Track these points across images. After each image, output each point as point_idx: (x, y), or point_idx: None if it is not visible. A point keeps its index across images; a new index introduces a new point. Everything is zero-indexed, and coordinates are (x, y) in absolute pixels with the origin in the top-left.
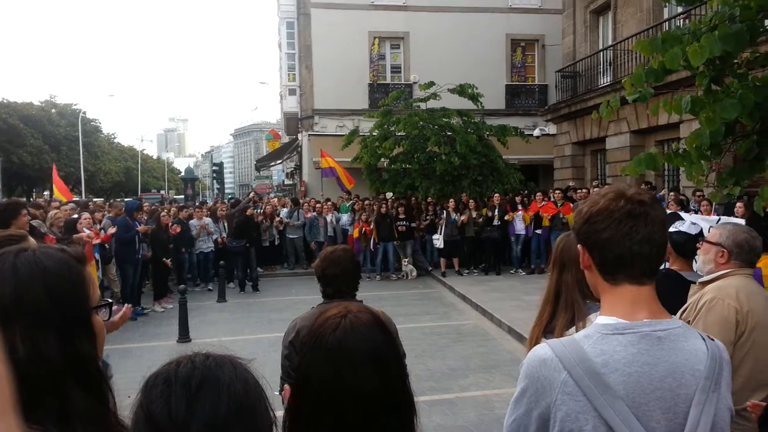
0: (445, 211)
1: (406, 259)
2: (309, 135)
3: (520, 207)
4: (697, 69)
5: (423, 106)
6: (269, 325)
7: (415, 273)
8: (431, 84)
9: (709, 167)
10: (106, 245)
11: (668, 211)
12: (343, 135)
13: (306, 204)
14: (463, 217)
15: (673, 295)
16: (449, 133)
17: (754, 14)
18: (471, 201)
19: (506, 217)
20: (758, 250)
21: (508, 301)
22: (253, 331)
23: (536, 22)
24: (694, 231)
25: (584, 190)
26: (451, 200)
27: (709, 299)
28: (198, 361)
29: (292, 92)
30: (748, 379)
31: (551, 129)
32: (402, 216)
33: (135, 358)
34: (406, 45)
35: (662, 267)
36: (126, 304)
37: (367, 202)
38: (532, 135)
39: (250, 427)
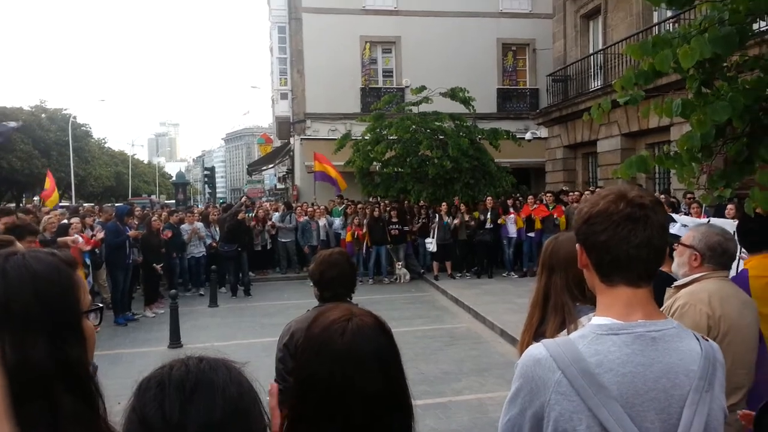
0: (437, 215)
1: (399, 263)
2: (301, 139)
3: (512, 210)
4: (687, 72)
5: (415, 110)
6: (261, 329)
7: (408, 276)
8: (423, 88)
9: (700, 169)
10: (96, 250)
11: None
12: (335, 139)
13: (299, 208)
14: (456, 221)
15: (660, 295)
16: (441, 137)
17: (743, 17)
18: (463, 204)
19: (498, 221)
20: (731, 252)
21: (500, 304)
22: (245, 335)
23: (527, 27)
24: (683, 233)
25: (576, 193)
26: (444, 204)
27: (681, 305)
28: (192, 365)
29: (283, 96)
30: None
31: (543, 132)
32: (395, 220)
33: (125, 364)
34: (397, 49)
35: None
36: None
37: (360, 205)
38: (523, 138)
39: (245, 430)
